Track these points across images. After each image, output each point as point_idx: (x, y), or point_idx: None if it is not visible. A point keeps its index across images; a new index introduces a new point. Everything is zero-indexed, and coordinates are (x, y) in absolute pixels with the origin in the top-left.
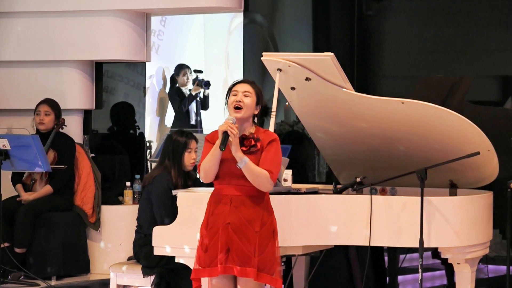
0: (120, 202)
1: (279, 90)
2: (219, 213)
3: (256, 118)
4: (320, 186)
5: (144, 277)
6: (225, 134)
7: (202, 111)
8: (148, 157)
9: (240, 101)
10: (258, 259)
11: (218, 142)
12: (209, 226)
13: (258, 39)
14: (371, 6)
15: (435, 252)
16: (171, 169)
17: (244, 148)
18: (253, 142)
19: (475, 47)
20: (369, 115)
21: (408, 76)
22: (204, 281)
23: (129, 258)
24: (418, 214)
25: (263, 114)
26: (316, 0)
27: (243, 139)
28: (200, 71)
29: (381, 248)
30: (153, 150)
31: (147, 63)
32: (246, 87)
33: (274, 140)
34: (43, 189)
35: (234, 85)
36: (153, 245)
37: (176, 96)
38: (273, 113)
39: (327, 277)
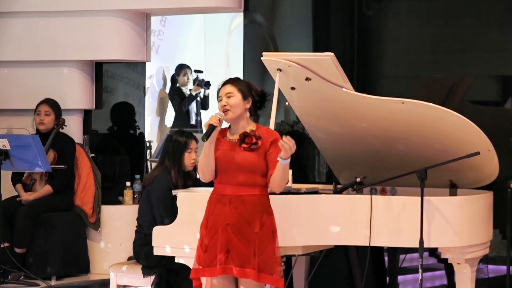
0: (120, 202)
1: (279, 90)
2: (219, 213)
3: (251, 111)
4: (320, 186)
5: (144, 277)
6: (211, 127)
7: (202, 111)
8: (148, 157)
9: (225, 105)
10: (258, 260)
11: (211, 139)
12: (208, 226)
13: (258, 39)
14: (371, 6)
15: (432, 251)
16: (171, 169)
17: (245, 145)
18: (254, 140)
19: (475, 47)
20: (369, 115)
21: (408, 76)
22: (204, 281)
23: (129, 258)
24: (418, 214)
25: (261, 101)
26: (316, 0)
27: (244, 137)
28: (200, 71)
29: (381, 248)
30: (153, 150)
31: (147, 63)
32: (228, 88)
33: (277, 140)
34: (43, 189)
35: (218, 90)
36: (153, 245)
37: (176, 96)
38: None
39: (327, 277)
